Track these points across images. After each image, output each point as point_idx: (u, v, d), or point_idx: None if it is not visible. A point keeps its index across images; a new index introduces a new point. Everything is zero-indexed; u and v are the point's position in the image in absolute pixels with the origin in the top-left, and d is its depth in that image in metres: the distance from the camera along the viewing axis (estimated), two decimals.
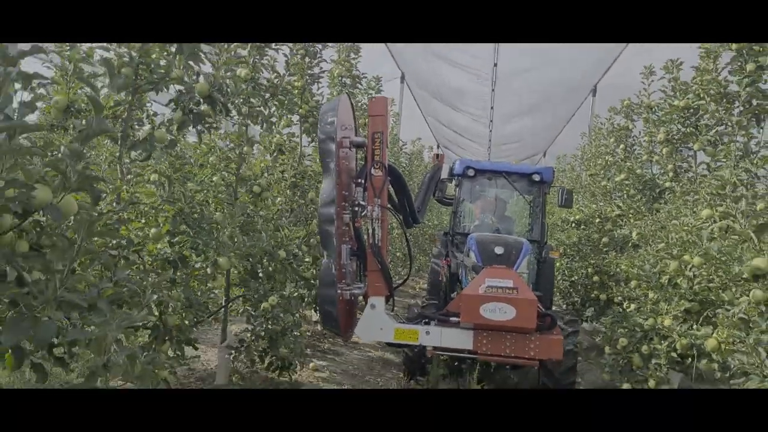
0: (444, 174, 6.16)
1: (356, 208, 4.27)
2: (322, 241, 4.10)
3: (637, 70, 7.25)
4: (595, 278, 6.80)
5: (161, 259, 3.00)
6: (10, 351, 1.85)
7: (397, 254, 10.85)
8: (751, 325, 2.84)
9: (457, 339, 4.33)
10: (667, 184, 6.32)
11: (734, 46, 4.11)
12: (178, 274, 3.11)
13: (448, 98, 12.95)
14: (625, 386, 4.57)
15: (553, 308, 6.52)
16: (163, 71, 3.20)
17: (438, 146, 18.20)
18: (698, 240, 3.48)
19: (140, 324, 2.50)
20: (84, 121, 2.98)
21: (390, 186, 4.62)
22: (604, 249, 6.94)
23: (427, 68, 11.33)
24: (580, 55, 10.10)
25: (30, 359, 1.94)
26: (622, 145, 7.80)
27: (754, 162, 3.39)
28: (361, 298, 4.63)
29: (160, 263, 3.02)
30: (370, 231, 4.33)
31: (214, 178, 4.56)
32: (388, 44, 10.64)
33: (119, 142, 3.10)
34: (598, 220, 7.42)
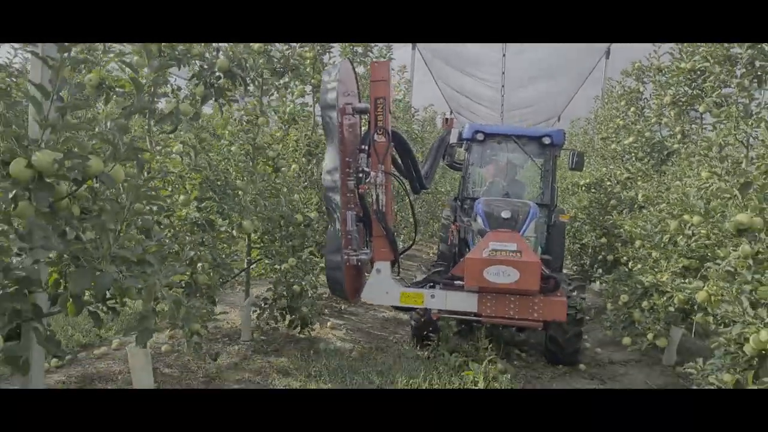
0: (453, 138, 6.11)
1: (360, 175, 4.31)
2: (327, 208, 4.22)
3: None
4: (603, 240, 6.98)
5: (190, 222, 3.27)
6: (71, 300, 2.16)
7: (410, 220, 11.07)
8: (736, 276, 3.04)
9: (461, 302, 4.43)
10: (675, 146, 6.40)
11: None
12: (206, 236, 3.39)
13: (459, 64, 12.93)
14: (626, 340, 4.83)
15: (564, 271, 6.59)
16: (184, 48, 3.41)
17: (451, 112, 18.19)
18: (685, 199, 3.66)
19: (181, 276, 2.78)
20: (114, 97, 3.22)
21: (395, 152, 4.66)
22: (612, 211, 7.09)
23: None
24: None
25: (87, 308, 2.24)
26: (632, 108, 7.84)
27: (749, 124, 3.53)
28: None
29: (189, 227, 3.30)
30: (374, 197, 4.39)
31: (232, 148, 4.80)
32: None
33: (147, 116, 3.34)
34: (608, 182, 7.55)
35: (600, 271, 7.14)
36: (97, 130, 2.00)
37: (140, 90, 1.96)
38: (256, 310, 4.99)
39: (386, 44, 8.34)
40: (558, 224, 5.79)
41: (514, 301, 4.31)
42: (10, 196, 1.81)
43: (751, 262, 3.19)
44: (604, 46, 11.26)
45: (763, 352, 2.90)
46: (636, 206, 6.33)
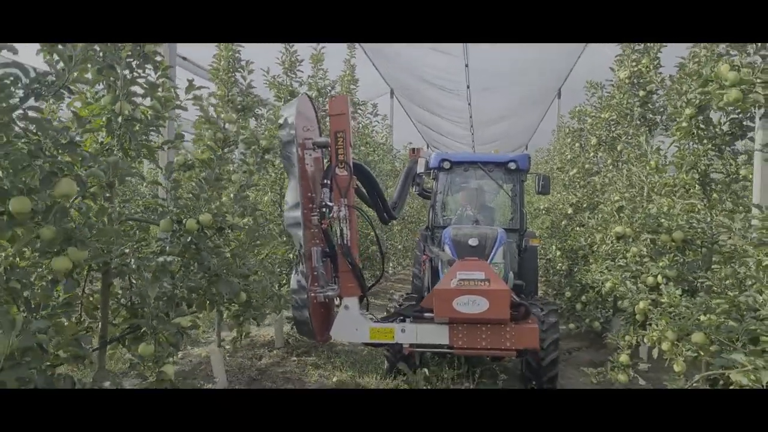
0: (421, 168, 6.01)
1: (323, 209, 4.25)
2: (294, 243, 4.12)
3: (592, 76, 8.84)
4: (558, 253, 8.52)
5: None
6: (208, 302, 3.56)
7: (399, 247, 12.45)
8: (625, 268, 4.57)
9: (432, 335, 4.35)
10: (609, 176, 8.04)
11: (627, 81, 5.86)
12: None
13: (432, 109, 14.69)
14: (570, 326, 6.31)
15: (539, 293, 6.24)
16: (235, 134, 4.90)
17: (428, 146, 19.94)
18: (583, 219, 5.21)
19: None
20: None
21: (361, 185, 4.67)
22: (565, 229, 8.66)
23: (412, 86, 13.05)
24: (544, 65, 11.84)
25: (217, 307, 3.63)
26: (577, 144, 9.51)
27: (636, 164, 5.13)
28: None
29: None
30: (338, 231, 4.34)
31: (265, 198, 6.25)
32: (377, 66, 12.33)
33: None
34: (560, 206, 9.14)
35: (556, 277, 8.65)
36: (224, 198, 3.44)
37: (251, 175, 3.43)
38: (287, 324, 6.35)
39: (373, 104, 9.95)
40: (529, 248, 5.79)
41: (485, 331, 4.25)
42: (188, 240, 3.23)
43: (638, 258, 4.73)
44: (555, 87, 13.09)
45: (645, 316, 4.39)
46: (579, 225, 7.89)
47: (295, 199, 4.04)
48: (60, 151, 2.10)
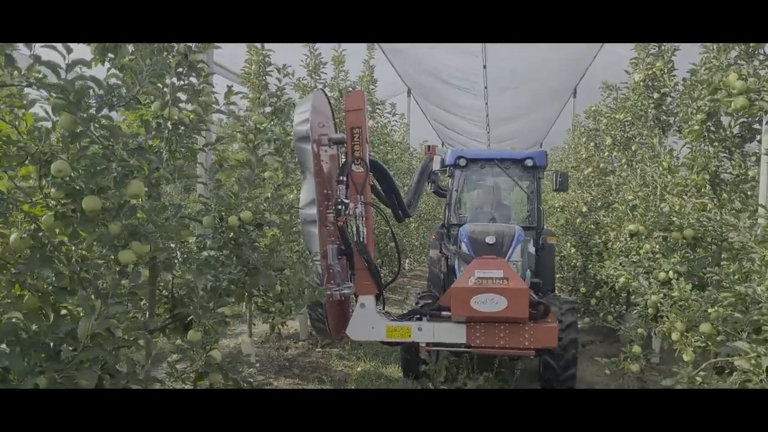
0: (436, 165, 6.06)
1: (339, 207, 4.20)
2: (306, 242, 4.11)
3: (607, 75, 8.98)
4: (573, 251, 8.68)
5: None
6: (246, 294, 3.83)
7: (415, 243, 12.68)
8: (638, 264, 4.75)
9: (449, 333, 4.29)
10: (623, 175, 8.18)
11: (642, 84, 6.02)
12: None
13: (449, 108, 14.88)
14: (585, 320, 6.49)
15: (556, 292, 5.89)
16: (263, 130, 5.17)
17: (443, 144, 20.11)
18: (598, 217, 5.39)
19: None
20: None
21: (376, 182, 4.64)
22: (580, 227, 8.82)
23: (429, 85, 13.25)
24: (560, 63, 11.97)
25: (252, 298, 3.90)
26: (592, 143, 9.64)
27: (651, 165, 5.32)
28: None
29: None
30: (355, 229, 4.32)
31: (291, 196, 6.51)
32: (395, 65, 12.55)
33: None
34: (575, 204, 9.29)
35: (571, 274, 8.83)
36: (254, 198, 3.71)
37: (283, 180, 3.69)
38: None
39: (391, 104, 10.17)
40: (547, 246, 5.74)
41: (503, 330, 4.20)
42: (230, 236, 3.50)
43: (651, 255, 4.91)
44: (571, 86, 13.19)
45: (657, 309, 4.57)
46: (593, 223, 8.06)
47: (310, 196, 4.01)
48: (130, 155, 2.37)
